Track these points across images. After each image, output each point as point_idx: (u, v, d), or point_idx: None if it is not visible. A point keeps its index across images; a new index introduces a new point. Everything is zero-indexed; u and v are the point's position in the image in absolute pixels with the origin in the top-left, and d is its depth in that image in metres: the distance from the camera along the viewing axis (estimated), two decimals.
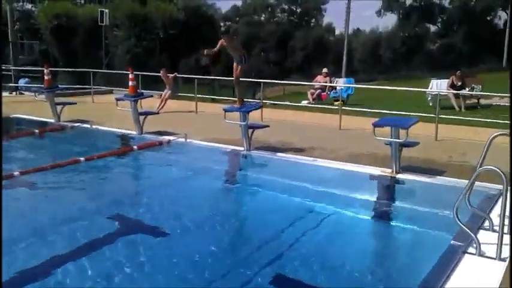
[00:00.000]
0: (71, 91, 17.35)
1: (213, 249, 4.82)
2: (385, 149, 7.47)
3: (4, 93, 17.38)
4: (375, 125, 7.04)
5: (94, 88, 16.23)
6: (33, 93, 13.69)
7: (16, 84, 18.28)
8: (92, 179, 6.73)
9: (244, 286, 4.09)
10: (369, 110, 11.99)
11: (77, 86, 17.57)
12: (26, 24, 33.14)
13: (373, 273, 4.49)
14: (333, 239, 5.36)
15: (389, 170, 7.21)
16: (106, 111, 11.77)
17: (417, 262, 4.61)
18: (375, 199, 6.56)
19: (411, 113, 10.82)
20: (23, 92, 18.09)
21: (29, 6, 36.21)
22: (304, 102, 16.52)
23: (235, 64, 8.55)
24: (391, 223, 5.92)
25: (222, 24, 42.68)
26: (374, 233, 5.78)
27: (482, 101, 16.18)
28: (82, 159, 7.60)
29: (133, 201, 6.05)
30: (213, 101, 16.80)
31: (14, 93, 18.22)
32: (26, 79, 19.17)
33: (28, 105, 13.49)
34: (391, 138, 7.00)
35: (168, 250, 4.83)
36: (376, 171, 7.29)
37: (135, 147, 8.67)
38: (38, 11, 33.36)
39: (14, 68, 18.63)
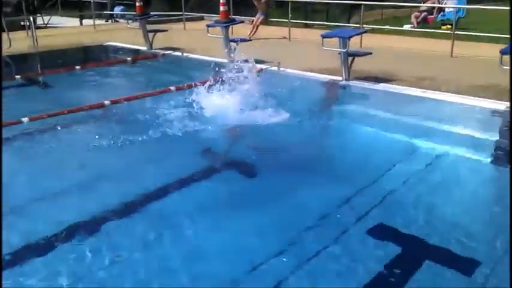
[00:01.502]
0: (163, 18, 17.20)
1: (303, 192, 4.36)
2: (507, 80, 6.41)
3: (100, 21, 17.65)
4: (503, 52, 5.95)
5: (186, 14, 15.86)
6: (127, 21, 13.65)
7: (111, 12, 18.43)
8: (181, 108, 6.40)
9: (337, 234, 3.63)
10: (486, 35, 10.49)
11: (169, 13, 17.30)
12: None
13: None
14: (444, 186, 4.64)
15: None
16: (197, 39, 11.38)
17: None
18: (497, 138, 5.61)
19: None
20: (118, 19, 18.24)
21: None
22: (406, 27, 15.01)
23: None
24: None
25: None
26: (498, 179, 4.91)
27: None
28: (172, 88, 7.31)
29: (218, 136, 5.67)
30: (306, 26, 15.78)
31: (109, 21, 18.45)
32: (122, 7, 19.22)
33: (122, 32, 13.50)
34: None
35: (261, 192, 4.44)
36: (499, 105, 6.29)
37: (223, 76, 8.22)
38: None
39: None
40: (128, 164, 4.97)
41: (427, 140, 5.60)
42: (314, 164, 5.06)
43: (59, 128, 5.79)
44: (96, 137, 5.39)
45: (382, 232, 3.66)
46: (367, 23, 17.03)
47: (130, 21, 12.41)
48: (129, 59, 10.20)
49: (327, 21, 16.63)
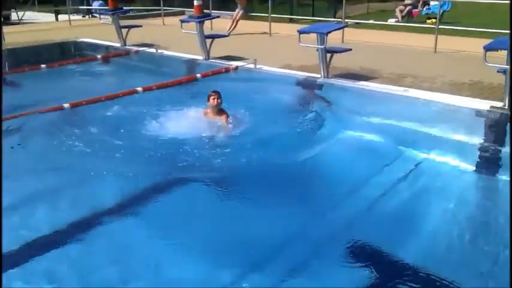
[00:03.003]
0: (143, 13, 16.70)
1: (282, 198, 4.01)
2: (493, 76, 6.08)
3: (76, 17, 17.10)
4: (487, 49, 5.59)
5: (164, 9, 15.36)
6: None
7: (89, 7, 17.86)
8: (147, 112, 5.95)
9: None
10: (470, 29, 10.16)
11: (147, 8, 16.82)
12: None
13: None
14: (426, 193, 4.28)
15: (501, 104, 5.84)
16: (175, 34, 10.90)
17: None
18: (481, 141, 5.23)
19: None
20: (96, 14, 17.68)
21: None
22: (391, 21, 14.67)
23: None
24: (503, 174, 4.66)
25: None
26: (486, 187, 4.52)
27: None
28: (139, 89, 6.87)
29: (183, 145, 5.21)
30: (291, 21, 15.33)
31: (87, 16, 17.89)
32: (100, 1, 18.64)
33: (98, 28, 12.97)
34: (507, 64, 5.55)
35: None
36: (483, 104, 5.95)
37: (198, 75, 7.78)
38: None
39: None
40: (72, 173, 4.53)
41: (407, 143, 5.21)
42: (284, 170, 4.67)
43: (10, 132, 5.32)
44: (48, 142, 4.96)
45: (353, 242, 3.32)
46: (352, 17, 16.71)
47: (101, 16, 11.87)
48: (99, 56, 9.71)
49: (312, 16, 16.20)
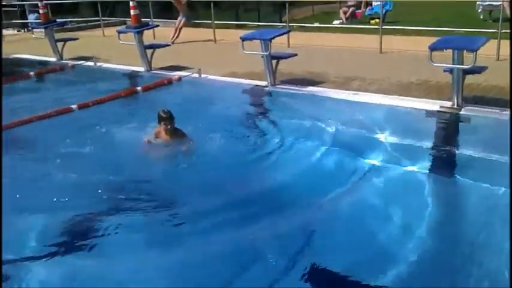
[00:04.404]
0: (81, 25, 16.02)
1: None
2: (439, 75, 6.01)
3: (10, 31, 16.19)
4: (433, 48, 5.49)
5: (104, 20, 14.76)
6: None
7: (24, 21, 16.94)
8: (84, 133, 5.52)
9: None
10: (414, 28, 10.21)
11: (85, 19, 16.14)
12: None
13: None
14: (378, 200, 4.11)
15: (449, 104, 5.75)
16: (115, 46, 10.40)
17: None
18: (430, 144, 5.09)
19: (466, 30, 9.10)
20: (32, 28, 16.79)
21: None
22: (336, 23, 14.69)
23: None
24: (459, 178, 4.53)
25: None
26: (435, 191, 4.37)
27: None
28: (74, 107, 6.40)
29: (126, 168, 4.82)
30: (238, 27, 15.05)
31: (22, 30, 16.96)
32: (36, 14, 17.76)
33: (34, 43, 12.27)
34: (454, 63, 5.47)
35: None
36: (432, 105, 5.84)
37: (138, 88, 7.37)
38: None
39: (19, 2, 17.18)
40: None
41: (357, 148, 5.04)
42: (228, 186, 4.38)
43: None
44: None
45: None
46: (298, 21, 16.63)
47: (35, 31, 11.22)
48: (31, 73, 9.07)
49: (258, 21, 16.01)
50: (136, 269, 3.23)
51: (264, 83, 7.23)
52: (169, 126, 4.96)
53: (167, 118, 4.95)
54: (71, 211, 3.89)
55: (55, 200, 4.04)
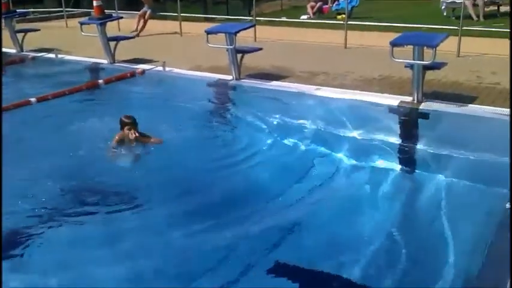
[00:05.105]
0: (44, 15, 15.60)
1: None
2: (401, 71, 6.11)
3: None
4: (394, 44, 5.57)
5: (67, 11, 14.40)
6: None
7: None
8: (43, 126, 5.38)
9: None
10: (378, 24, 10.35)
11: (48, 9, 15.72)
12: None
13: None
14: (343, 198, 4.14)
15: (410, 99, 5.86)
16: (78, 38, 10.15)
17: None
18: (388, 138, 5.13)
19: (429, 26, 9.27)
20: None
21: None
22: (303, 18, 14.71)
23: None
24: (419, 172, 4.61)
25: None
26: (401, 188, 4.42)
27: (503, 8, 14.32)
28: (33, 99, 6.23)
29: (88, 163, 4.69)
30: (207, 20, 14.90)
31: None
32: None
33: None
34: (414, 59, 5.57)
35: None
36: (392, 100, 5.93)
37: (100, 81, 7.23)
38: None
39: None
40: None
41: (319, 143, 5.08)
42: (192, 183, 4.35)
43: None
44: None
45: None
46: (266, 15, 16.62)
47: None
48: None
49: (227, 14, 15.88)
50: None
51: (228, 77, 7.20)
52: (132, 131, 4.71)
53: (130, 123, 4.72)
54: (20, 213, 3.76)
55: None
